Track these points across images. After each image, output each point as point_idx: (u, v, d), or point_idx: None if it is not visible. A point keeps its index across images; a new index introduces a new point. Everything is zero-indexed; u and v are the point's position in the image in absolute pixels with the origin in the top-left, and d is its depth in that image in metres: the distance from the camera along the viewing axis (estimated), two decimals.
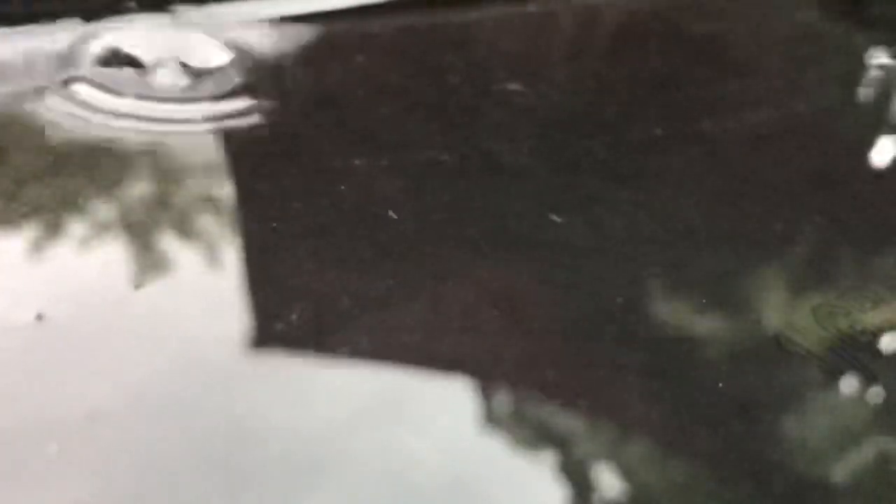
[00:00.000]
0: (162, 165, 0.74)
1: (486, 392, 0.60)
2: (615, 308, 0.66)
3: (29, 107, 0.77)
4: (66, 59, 0.80)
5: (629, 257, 0.70)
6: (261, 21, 0.85)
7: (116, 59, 0.80)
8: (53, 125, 0.75)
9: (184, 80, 0.79)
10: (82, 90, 0.78)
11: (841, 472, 0.60)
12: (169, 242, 0.68)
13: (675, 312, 0.67)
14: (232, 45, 0.82)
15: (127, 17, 0.84)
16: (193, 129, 0.76)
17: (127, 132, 0.75)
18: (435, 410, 0.60)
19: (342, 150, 0.76)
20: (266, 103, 0.79)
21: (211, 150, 0.76)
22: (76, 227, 0.68)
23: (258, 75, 0.82)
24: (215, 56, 0.81)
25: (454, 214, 0.71)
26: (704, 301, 0.68)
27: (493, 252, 0.69)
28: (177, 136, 0.75)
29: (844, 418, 0.62)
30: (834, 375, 0.64)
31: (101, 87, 0.78)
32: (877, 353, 0.66)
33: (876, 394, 0.64)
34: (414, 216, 0.71)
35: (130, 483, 0.55)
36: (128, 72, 0.79)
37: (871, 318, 0.67)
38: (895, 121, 0.85)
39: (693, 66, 0.89)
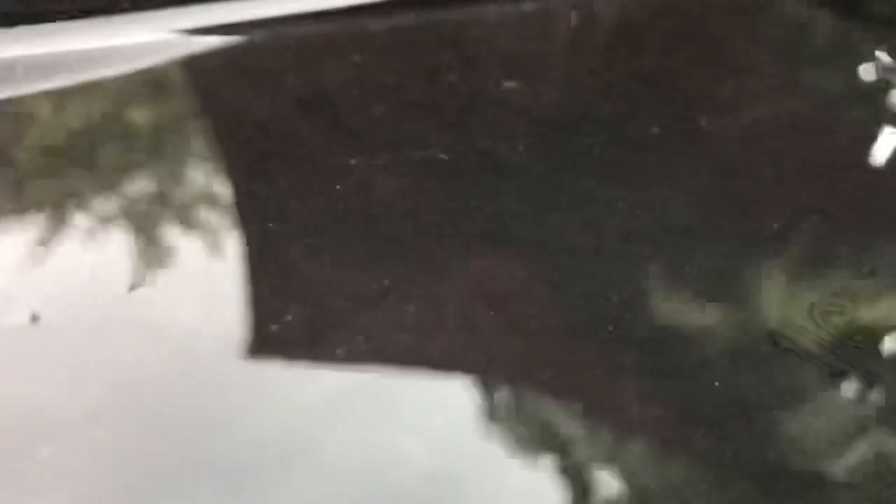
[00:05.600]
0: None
1: (482, 392, 0.60)
2: (612, 307, 0.66)
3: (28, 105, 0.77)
4: None
5: (626, 256, 0.70)
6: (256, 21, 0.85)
7: None
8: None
9: None
10: None
11: (839, 471, 0.60)
12: (164, 243, 0.68)
13: (671, 311, 0.67)
14: None
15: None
16: None
17: None
18: (430, 410, 0.60)
19: (338, 149, 0.76)
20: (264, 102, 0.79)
21: None
22: (71, 229, 0.68)
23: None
24: None
25: (450, 213, 0.71)
26: (701, 299, 0.68)
27: (489, 251, 0.69)
28: None
29: (842, 417, 0.62)
30: (831, 374, 0.64)
31: None
32: (875, 351, 0.65)
33: (874, 392, 0.64)
34: (410, 215, 0.71)
35: (125, 484, 0.55)
36: None
37: (868, 316, 0.67)
38: (892, 118, 0.85)
39: (690, 64, 0.89)
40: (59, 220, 0.69)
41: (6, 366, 0.59)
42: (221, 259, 0.68)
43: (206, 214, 0.71)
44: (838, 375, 0.64)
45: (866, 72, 0.88)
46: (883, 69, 0.88)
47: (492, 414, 0.60)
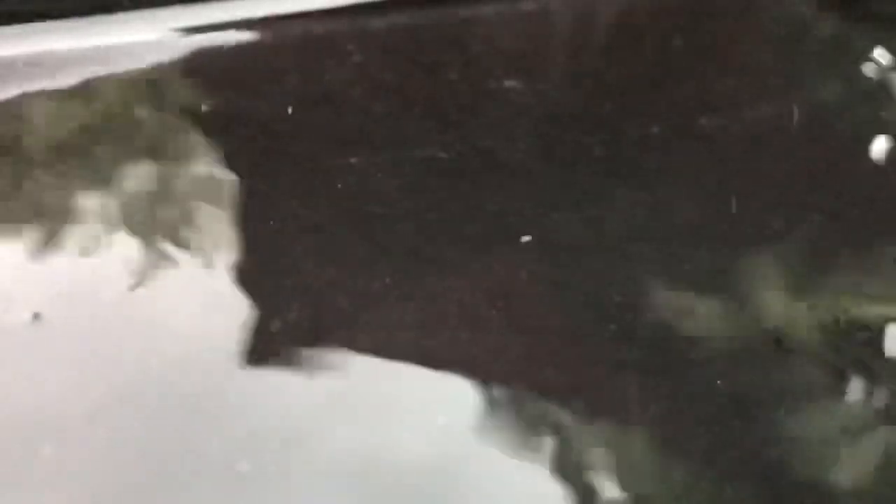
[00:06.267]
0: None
1: (484, 391, 0.60)
2: (613, 305, 0.66)
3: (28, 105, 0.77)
4: None
5: (627, 255, 0.70)
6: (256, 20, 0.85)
7: None
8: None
9: None
10: None
11: (841, 470, 0.60)
12: (165, 242, 0.68)
13: (673, 310, 0.67)
14: None
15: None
16: None
17: None
18: (431, 409, 0.60)
19: (339, 148, 0.76)
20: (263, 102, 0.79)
21: None
22: (72, 228, 0.68)
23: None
24: None
25: (451, 212, 0.71)
26: (703, 298, 0.68)
27: (490, 250, 0.69)
28: None
29: (844, 416, 0.62)
30: (833, 373, 0.64)
31: None
32: (876, 351, 0.65)
33: (875, 391, 0.64)
34: (411, 214, 0.71)
35: (126, 483, 0.54)
36: None
37: (870, 315, 0.67)
38: (893, 117, 0.85)
39: (690, 63, 0.89)
40: (59, 219, 0.69)
41: (8, 364, 0.59)
42: (223, 257, 0.68)
43: (207, 214, 0.71)
44: (840, 375, 0.64)
45: (866, 72, 0.88)
46: (883, 69, 0.88)
47: (493, 413, 0.60)
